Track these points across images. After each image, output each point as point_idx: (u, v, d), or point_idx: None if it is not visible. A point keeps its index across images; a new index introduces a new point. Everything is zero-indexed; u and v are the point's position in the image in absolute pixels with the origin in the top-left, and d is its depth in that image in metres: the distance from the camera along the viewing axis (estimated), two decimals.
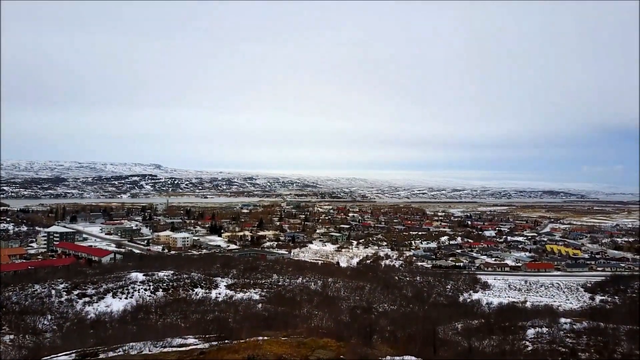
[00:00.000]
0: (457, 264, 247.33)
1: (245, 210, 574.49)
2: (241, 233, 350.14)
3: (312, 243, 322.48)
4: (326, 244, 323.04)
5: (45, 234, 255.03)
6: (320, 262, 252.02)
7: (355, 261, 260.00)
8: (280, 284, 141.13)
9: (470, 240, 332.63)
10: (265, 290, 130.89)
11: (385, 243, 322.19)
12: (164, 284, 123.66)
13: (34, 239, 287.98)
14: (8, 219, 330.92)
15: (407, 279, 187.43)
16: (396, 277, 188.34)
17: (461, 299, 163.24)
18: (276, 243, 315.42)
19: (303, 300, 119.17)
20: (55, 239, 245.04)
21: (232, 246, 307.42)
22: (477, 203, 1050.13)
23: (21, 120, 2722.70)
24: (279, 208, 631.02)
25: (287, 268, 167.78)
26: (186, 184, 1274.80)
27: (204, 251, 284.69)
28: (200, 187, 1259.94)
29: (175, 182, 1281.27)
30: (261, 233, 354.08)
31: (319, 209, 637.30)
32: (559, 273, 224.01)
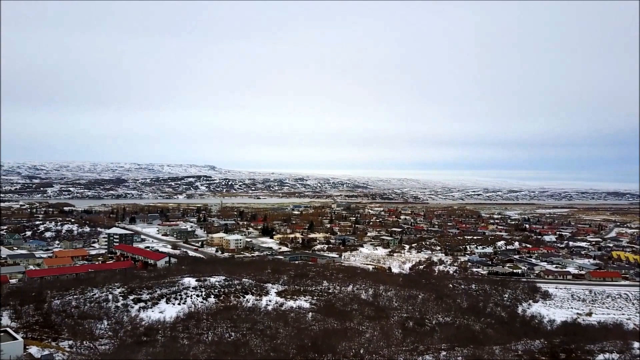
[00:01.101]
0: (514, 270, 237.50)
1: (296, 212, 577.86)
2: (292, 235, 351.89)
3: (362, 247, 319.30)
4: (377, 247, 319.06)
5: (106, 236, 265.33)
6: (371, 267, 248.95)
7: (407, 266, 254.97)
8: (330, 291, 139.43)
9: (528, 246, 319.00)
10: (315, 298, 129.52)
11: (438, 247, 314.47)
12: (216, 290, 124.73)
13: (96, 240, 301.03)
14: (72, 220, 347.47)
15: (462, 286, 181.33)
16: (450, 285, 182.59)
17: (520, 309, 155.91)
18: (327, 246, 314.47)
19: (353, 311, 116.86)
20: (114, 240, 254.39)
21: (284, 248, 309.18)
22: (535, 205, 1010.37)
23: (84, 122, 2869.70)
24: (329, 210, 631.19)
25: (338, 274, 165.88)
26: (239, 185, 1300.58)
27: (256, 253, 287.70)
28: (252, 188, 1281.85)
29: (229, 183, 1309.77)
30: (312, 235, 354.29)
31: (370, 211, 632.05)
32: (627, 283, 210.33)
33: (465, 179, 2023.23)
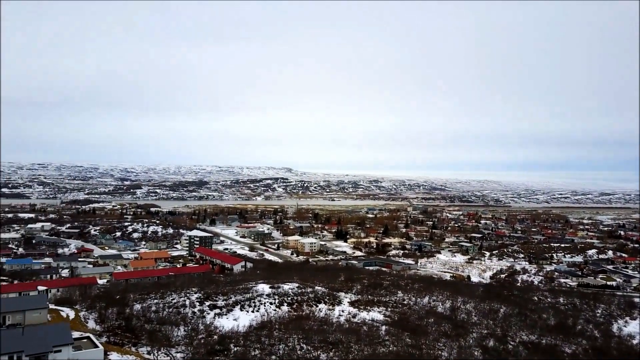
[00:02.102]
0: (608, 283, 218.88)
1: (370, 215, 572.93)
2: (366, 240, 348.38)
3: (440, 253, 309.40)
4: (455, 254, 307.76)
5: (187, 238, 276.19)
6: (448, 275, 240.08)
7: (487, 275, 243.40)
8: (405, 302, 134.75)
9: (624, 255, 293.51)
10: (389, 309, 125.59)
11: (521, 255, 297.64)
12: (289, 298, 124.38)
13: (178, 241, 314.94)
14: (157, 222, 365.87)
15: (548, 300, 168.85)
16: (535, 298, 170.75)
17: (615, 327, 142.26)
18: (402, 252, 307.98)
19: (429, 325, 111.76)
20: (195, 242, 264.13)
21: (358, 253, 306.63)
22: (631, 209, 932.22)
23: (170, 127, 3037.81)
24: (405, 213, 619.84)
25: (413, 285, 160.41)
26: (315, 187, 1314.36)
27: (330, 257, 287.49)
28: (327, 190, 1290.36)
29: (305, 184, 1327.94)
30: (386, 240, 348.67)
31: (448, 215, 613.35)
32: None
33: (551, 180, 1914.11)
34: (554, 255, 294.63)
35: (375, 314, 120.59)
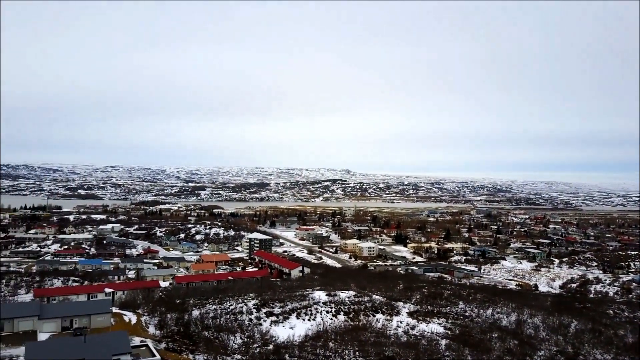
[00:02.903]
0: None
1: (431, 219, 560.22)
2: (427, 244, 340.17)
3: (504, 259, 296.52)
4: (521, 261, 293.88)
5: (248, 240, 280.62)
6: (514, 283, 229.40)
7: (557, 284, 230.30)
8: (467, 314, 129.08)
9: None
10: (450, 321, 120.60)
11: (595, 263, 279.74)
12: (345, 307, 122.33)
13: (239, 243, 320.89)
14: (219, 224, 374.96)
15: (625, 314, 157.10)
16: (610, 311, 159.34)
17: None
18: (464, 257, 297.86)
19: (493, 340, 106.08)
20: (255, 245, 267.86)
21: (418, 258, 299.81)
22: None
23: (233, 131, 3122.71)
24: (468, 216, 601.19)
25: (476, 295, 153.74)
26: (374, 189, 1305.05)
27: (389, 262, 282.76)
28: (386, 192, 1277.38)
29: (363, 186, 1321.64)
30: (448, 245, 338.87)
31: (513, 218, 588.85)
32: None
33: (627, 182, 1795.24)
34: (632, 263, 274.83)
35: (435, 326, 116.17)
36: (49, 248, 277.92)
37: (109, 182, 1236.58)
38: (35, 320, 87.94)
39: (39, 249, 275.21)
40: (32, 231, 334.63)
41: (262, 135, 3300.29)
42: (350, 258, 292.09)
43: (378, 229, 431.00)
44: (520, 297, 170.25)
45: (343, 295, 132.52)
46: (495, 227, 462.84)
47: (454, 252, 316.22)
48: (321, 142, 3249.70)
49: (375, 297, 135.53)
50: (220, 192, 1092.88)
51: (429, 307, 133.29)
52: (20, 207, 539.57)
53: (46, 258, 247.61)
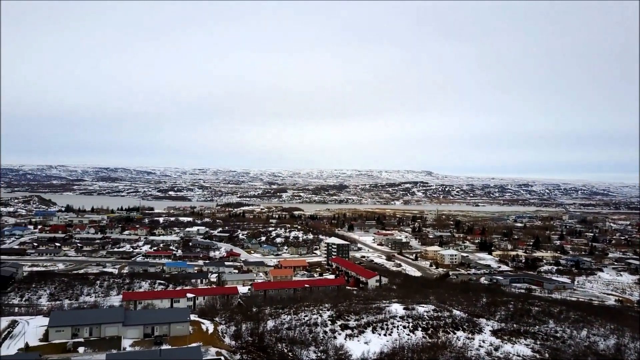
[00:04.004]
0: None
1: (518, 224, 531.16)
2: (514, 252, 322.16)
3: (602, 271, 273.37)
4: (621, 273, 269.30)
5: (326, 245, 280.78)
6: (613, 298, 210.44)
7: None
8: (558, 335, 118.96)
9: None
10: (538, 342, 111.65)
11: None
12: (424, 322, 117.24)
13: (317, 247, 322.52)
14: (299, 227, 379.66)
15: None
16: None
17: None
18: (555, 268, 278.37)
19: None
20: (333, 250, 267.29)
21: (503, 267, 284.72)
22: None
23: (312, 134, 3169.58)
24: (559, 222, 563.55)
25: (568, 312, 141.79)
26: (457, 191, 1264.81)
27: (472, 271, 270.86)
28: (471, 195, 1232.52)
29: (446, 189, 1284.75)
30: (537, 254, 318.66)
31: (612, 225, 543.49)
32: None
33: None
34: None
35: (522, 348, 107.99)
36: (140, 249, 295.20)
37: (197, 184, 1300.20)
38: (120, 327, 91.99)
39: (131, 249, 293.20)
40: (126, 232, 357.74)
41: (341, 138, 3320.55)
42: (430, 266, 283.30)
43: (461, 235, 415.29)
44: (620, 316, 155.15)
45: (421, 309, 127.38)
46: (591, 234, 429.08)
47: (544, 261, 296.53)
48: (401, 143, 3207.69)
49: (455, 312, 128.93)
50: (301, 194, 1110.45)
51: (515, 325, 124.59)
52: (117, 209, 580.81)
53: (137, 259, 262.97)
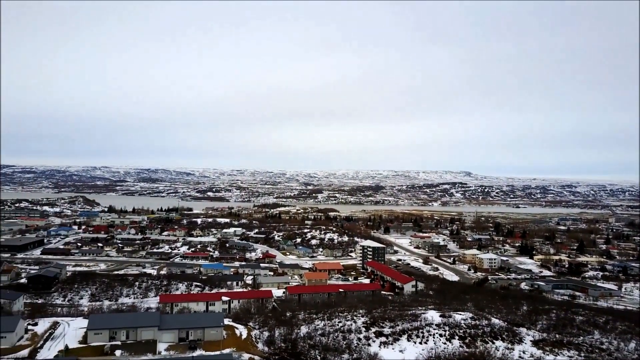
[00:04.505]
0: None
1: (561, 227, 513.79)
2: (556, 257, 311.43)
3: None
4: None
5: (361, 248, 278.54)
6: None
7: None
8: (604, 347, 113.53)
9: None
10: (582, 354, 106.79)
11: None
12: (461, 331, 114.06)
13: (353, 249, 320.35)
14: (334, 229, 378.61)
15: None
16: None
17: None
18: (601, 274, 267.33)
19: None
20: (368, 253, 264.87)
21: (545, 272, 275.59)
22: None
23: (347, 135, 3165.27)
24: (605, 225, 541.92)
25: (615, 322, 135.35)
26: (496, 192, 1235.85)
27: (512, 276, 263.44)
28: (511, 196, 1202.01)
29: (485, 190, 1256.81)
30: (581, 259, 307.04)
31: None
32: None
33: None
34: None
35: None
36: (179, 250, 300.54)
37: (234, 185, 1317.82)
38: (156, 331, 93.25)
39: (170, 250, 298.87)
40: (165, 233, 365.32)
41: (378, 138, 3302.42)
42: (469, 270, 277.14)
43: (500, 238, 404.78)
44: None
45: (458, 317, 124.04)
46: None
47: (589, 266, 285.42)
48: (439, 144, 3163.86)
49: (494, 320, 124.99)
50: (336, 195, 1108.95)
51: (557, 335, 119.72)
52: (157, 209, 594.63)
53: (175, 260, 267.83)
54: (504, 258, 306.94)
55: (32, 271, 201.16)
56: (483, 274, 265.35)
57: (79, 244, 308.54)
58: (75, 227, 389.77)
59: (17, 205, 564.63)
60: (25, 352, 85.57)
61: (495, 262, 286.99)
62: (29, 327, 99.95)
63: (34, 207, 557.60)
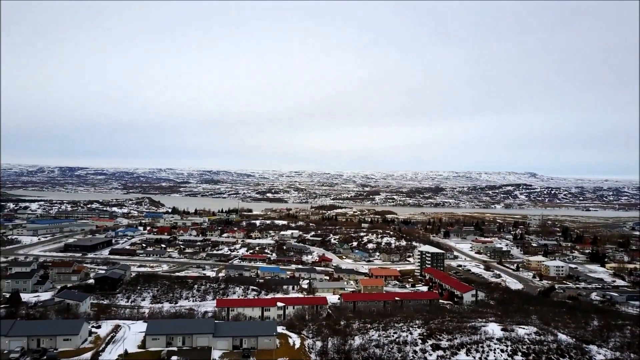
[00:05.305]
0: None
1: (637, 232, 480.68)
2: (631, 265, 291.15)
3: None
4: None
5: (419, 253, 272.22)
6: None
7: None
8: None
9: None
10: None
11: None
12: (524, 347, 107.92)
13: (410, 254, 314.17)
14: (391, 233, 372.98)
15: None
16: None
17: None
18: None
19: None
20: (427, 259, 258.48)
21: (619, 282, 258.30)
22: None
23: (404, 135, 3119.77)
24: None
25: None
26: (564, 194, 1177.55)
27: (582, 285, 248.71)
28: (580, 198, 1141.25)
29: (552, 191, 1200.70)
30: None
31: None
32: None
33: None
34: None
35: None
36: (237, 252, 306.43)
37: (292, 186, 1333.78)
38: (211, 338, 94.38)
39: (229, 252, 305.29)
40: (225, 235, 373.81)
41: (437, 138, 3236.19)
42: (533, 277, 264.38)
43: (568, 244, 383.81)
44: None
45: (522, 331, 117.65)
46: None
47: None
48: (503, 143, 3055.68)
49: (561, 335, 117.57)
50: (394, 196, 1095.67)
51: (632, 355, 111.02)
52: (218, 210, 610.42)
53: (234, 262, 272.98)
54: (573, 265, 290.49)
55: (100, 271, 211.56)
56: (549, 282, 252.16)
57: (144, 245, 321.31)
58: (141, 228, 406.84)
59: (88, 206, 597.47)
60: (88, 355, 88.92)
61: (562, 270, 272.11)
62: (93, 329, 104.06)
63: (104, 208, 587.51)
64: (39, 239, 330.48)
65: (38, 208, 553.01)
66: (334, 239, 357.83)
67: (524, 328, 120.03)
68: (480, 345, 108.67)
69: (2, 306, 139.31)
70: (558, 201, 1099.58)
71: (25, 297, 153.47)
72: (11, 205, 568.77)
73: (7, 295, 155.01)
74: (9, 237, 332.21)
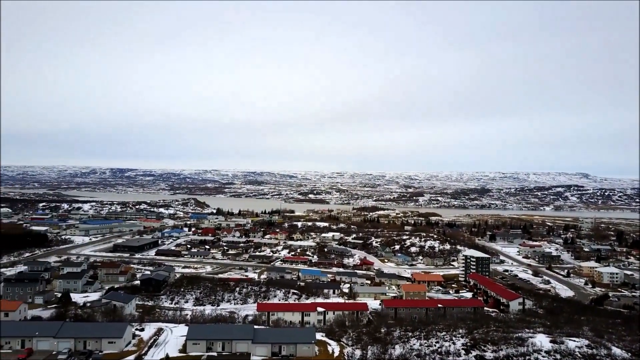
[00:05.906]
0: None
1: None
2: None
3: None
4: None
5: (464, 257, 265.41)
6: None
7: None
8: None
9: None
10: None
11: None
12: None
13: (455, 258, 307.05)
14: (434, 236, 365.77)
15: None
16: None
17: None
18: None
19: None
20: (471, 263, 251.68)
21: None
22: None
23: (451, 134, 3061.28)
24: None
25: None
26: (619, 196, 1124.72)
27: (638, 293, 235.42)
28: (637, 200, 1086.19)
29: (605, 193, 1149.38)
30: None
31: None
32: None
33: None
34: None
35: None
36: (279, 253, 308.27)
37: (334, 187, 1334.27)
38: (250, 344, 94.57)
39: (271, 254, 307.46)
40: (267, 236, 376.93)
41: (483, 138, 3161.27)
42: (585, 284, 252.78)
43: (624, 249, 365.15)
44: None
45: (572, 343, 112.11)
46: None
47: None
48: (553, 143, 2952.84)
49: (615, 349, 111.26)
50: (439, 198, 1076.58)
51: None
52: (261, 212, 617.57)
53: (276, 264, 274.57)
54: (628, 272, 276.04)
55: (146, 272, 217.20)
56: (602, 289, 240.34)
57: (188, 246, 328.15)
58: (186, 229, 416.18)
59: (137, 207, 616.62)
60: (131, 358, 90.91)
61: (617, 277, 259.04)
62: (137, 332, 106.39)
63: (151, 209, 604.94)
64: (90, 239, 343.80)
65: (90, 209, 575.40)
66: (376, 242, 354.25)
67: (574, 340, 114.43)
68: (527, 357, 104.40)
69: (53, 306, 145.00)
70: (612, 203, 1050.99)
71: (74, 297, 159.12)
72: (65, 205, 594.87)
73: (59, 295, 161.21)
74: (63, 237, 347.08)
